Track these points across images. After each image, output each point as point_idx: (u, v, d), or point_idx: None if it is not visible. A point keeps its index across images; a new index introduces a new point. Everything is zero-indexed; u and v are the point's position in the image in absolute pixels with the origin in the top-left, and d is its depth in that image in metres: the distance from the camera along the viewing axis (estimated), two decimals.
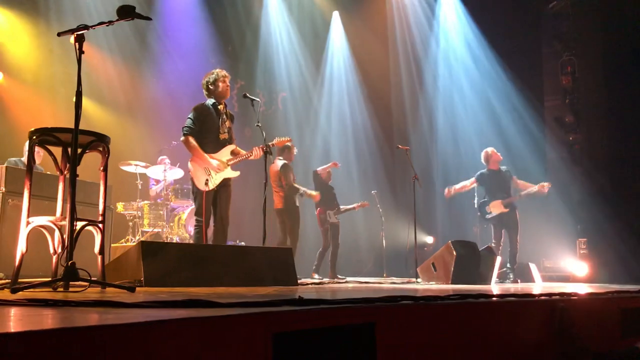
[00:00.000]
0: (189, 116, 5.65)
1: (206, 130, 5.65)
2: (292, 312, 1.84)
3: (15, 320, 1.64)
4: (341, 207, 8.94)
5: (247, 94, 5.90)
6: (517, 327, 2.90)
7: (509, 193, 8.05)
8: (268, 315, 1.72)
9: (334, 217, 8.72)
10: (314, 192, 8.25)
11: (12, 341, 1.19)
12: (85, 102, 3.23)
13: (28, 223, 3.50)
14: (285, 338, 1.72)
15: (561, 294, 3.37)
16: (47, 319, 1.66)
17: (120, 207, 8.48)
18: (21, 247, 3.46)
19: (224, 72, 5.84)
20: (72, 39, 3.29)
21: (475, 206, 8.32)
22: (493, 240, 7.94)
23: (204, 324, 1.56)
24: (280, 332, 1.71)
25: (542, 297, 3.21)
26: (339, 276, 8.49)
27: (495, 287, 5.71)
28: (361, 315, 2.10)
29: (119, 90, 10.02)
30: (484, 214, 8.06)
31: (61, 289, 3.24)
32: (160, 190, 8.89)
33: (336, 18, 12.78)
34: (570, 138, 9.97)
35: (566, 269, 8.93)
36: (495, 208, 7.93)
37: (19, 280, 3.46)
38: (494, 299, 3.02)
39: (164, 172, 8.38)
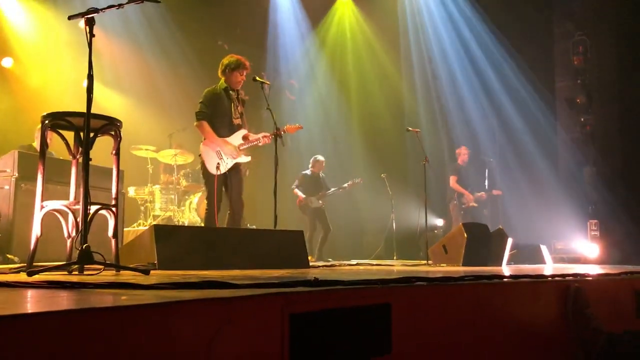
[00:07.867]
0: (200, 100, 5.62)
1: (219, 115, 5.61)
2: (308, 293, 1.84)
3: (34, 302, 1.66)
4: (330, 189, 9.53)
5: (257, 77, 5.85)
6: (531, 307, 2.90)
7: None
8: (285, 296, 1.72)
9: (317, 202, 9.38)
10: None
11: (30, 322, 1.20)
12: (95, 86, 3.22)
13: (42, 207, 3.52)
14: (302, 319, 1.73)
15: (575, 275, 3.35)
16: (64, 301, 1.68)
17: (131, 191, 8.52)
18: (36, 231, 3.49)
19: (247, 65, 5.67)
20: (82, 22, 3.28)
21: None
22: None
23: (221, 305, 1.56)
24: (297, 312, 1.71)
25: (556, 278, 3.20)
26: (329, 259, 8.68)
27: (506, 269, 5.70)
28: (376, 296, 2.10)
29: (127, 75, 9.98)
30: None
31: (76, 272, 3.26)
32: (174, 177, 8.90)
33: (346, 1, 12.62)
34: (582, 119, 9.86)
35: (577, 251, 8.89)
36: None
37: (34, 264, 3.49)
38: (508, 279, 3.02)
39: (174, 157, 8.39)
